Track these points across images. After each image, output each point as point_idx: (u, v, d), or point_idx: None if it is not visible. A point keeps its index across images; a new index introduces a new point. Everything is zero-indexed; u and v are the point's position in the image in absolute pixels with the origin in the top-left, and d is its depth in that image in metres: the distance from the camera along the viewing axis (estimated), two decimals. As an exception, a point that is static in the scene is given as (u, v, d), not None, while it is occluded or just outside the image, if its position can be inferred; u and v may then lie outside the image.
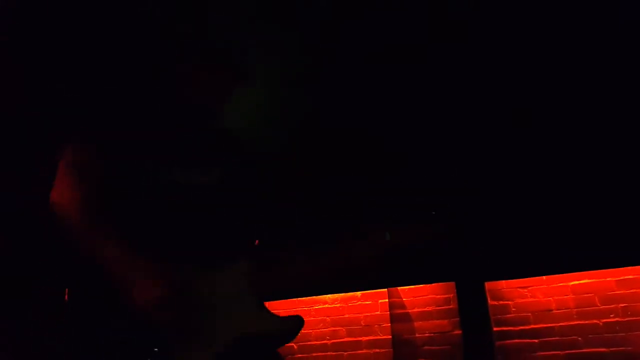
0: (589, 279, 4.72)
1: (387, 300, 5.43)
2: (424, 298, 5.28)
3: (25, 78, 3.28)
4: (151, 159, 1.62)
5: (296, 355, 5.50)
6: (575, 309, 4.71)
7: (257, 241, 1.76)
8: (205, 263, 1.56)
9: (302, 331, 5.57)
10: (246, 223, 1.76)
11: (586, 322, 4.65)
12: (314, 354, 5.53)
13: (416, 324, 5.26)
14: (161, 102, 1.79)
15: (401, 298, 5.38)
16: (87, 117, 1.69)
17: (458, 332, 4.92)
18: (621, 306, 4.57)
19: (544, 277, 4.83)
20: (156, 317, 1.39)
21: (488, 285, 4.94)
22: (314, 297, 5.59)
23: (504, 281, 4.96)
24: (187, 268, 1.51)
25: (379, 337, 5.40)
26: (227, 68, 1.79)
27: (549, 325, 4.77)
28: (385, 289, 5.38)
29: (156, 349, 1.41)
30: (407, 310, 5.33)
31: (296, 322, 1.62)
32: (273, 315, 1.60)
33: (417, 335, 5.23)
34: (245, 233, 1.74)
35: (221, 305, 1.53)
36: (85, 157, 1.58)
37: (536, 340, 4.78)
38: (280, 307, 5.58)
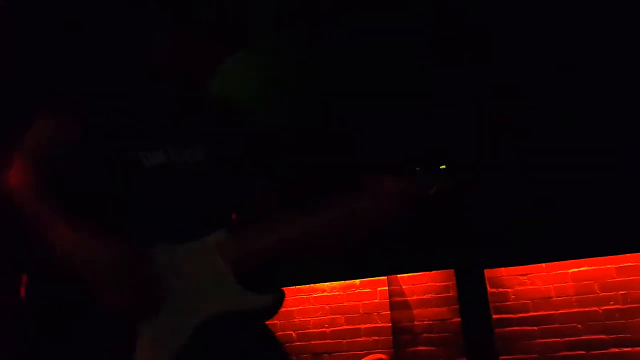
0: (588, 266, 4.71)
1: (386, 288, 5.43)
2: (423, 286, 5.28)
3: None
4: (121, 130, 1.55)
5: (295, 343, 5.50)
6: (574, 297, 4.71)
7: (234, 215, 1.69)
8: (176, 237, 1.49)
9: (301, 319, 5.55)
10: (223, 195, 1.68)
11: (586, 309, 4.65)
12: (313, 342, 5.53)
13: (415, 311, 5.26)
14: (138, 70, 1.70)
15: (400, 286, 5.37)
16: (56, 87, 1.62)
17: (457, 319, 4.91)
18: (621, 293, 4.57)
19: (544, 264, 4.83)
20: (117, 297, 1.33)
21: (487, 272, 4.92)
22: (313, 285, 5.58)
23: (503, 269, 4.95)
24: (156, 244, 1.46)
25: (378, 325, 5.40)
26: (216, 32, 1.67)
27: (549, 312, 4.77)
28: (385, 277, 5.38)
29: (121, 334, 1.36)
30: (406, 298, 5.33)
31: (276, 297, 1.53)
32: (250, 291, 1.52)
33: (416, 322, 5.23)
34: (220, 205, 1.66)
35: (193, 282, 1.46)
36: (48, 134, 1.53)
37: (536, 328, 4.78)
38: (279, 295, 5.57)
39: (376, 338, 5.38)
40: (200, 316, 1.43)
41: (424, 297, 5.25)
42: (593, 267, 4.69)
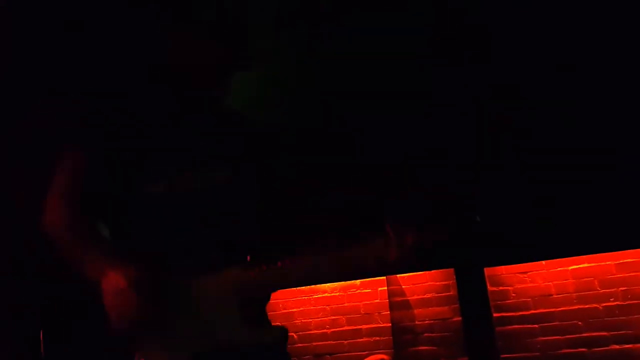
0: (588, 263, 4.72)
1: (386, 288, 5.43)
2: (423, 285, 5.28)
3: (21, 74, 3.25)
4: (142, 157, 1.61)
5: (296, 345, 5.50)
6: (575, 294, 4.71)
7: (248, 257, 1.70)
8: (190, 268, 1.53)
9: (302, 320, 5.56)
10: (238, 225, 1.70)
11: (586, 306, 4.65)
12: (314, 343, 5.53)
13: (416, 311, 5.26)
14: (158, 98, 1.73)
15: (400, 285, 5.37)
16: (82, 120, 1.66)
17: (458, 318, 4.92)
18: (621, 290, 4.57)
19: (544, 262, 4.83)
20: (123, 319, 1.38)
21: (487, 271, 4.93)
22: (313, 286, 5.58)
23: (503, 267, 4.96)
24: (172, 274, 1.50)
25: (379, 325, 5.40)
26: (229, 45, 1.70)
27: (549, 310, 4.77)
28: (384, 277, 5.38)
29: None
30: (406, 298, 5.33)
31: (280, 334, 1.58)
32: (257, 326, 1.56)
33: (417, 322, 5.23)
34: (236, 236, 1.68)
35: (202, 311, 1.49)
36: (76, 168, 1.59)
37: (536, 326, 4.79)
38: (280, 297, 5.57)
39: (377, 338, 5.38)
40: (203, 345, 1.46)
41: (425, 296, 5.25)
42: (593, 264, 4.69)
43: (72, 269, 1.49)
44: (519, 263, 4.86)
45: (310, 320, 5.63)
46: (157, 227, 1.59)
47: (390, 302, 5.38)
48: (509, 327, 4.87)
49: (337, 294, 5.63)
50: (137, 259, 1.44)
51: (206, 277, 1.54)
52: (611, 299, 4.59)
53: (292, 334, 5.59)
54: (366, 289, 5.54)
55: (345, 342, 5.50)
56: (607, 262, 4.65)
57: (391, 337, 5.31)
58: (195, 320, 1.48)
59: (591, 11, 3.11)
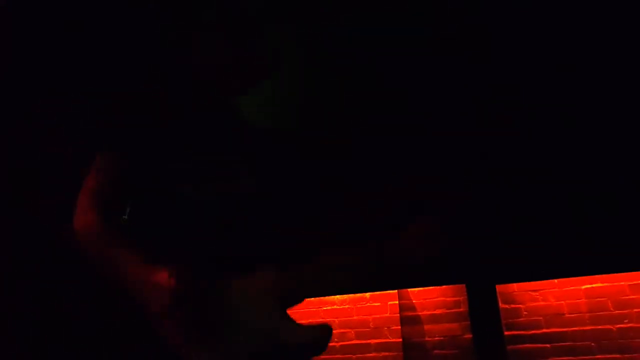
0: (601, 282, 4.67)
1: (396, 302, 5.39)
2: (434, 300, 5.24)
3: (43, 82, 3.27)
4: (176, 167, 1.63)
5: None
6: (587, 314, 4.66)
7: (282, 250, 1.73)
8: (228, 272, 1.54)
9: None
10: (271, 230, 1.74)
11: (599, 327, 4.60)
12: (322, 357, 5.49)
13: (426, 327, 5.22)
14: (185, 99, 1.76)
15: (411, 300, 5.33)
16: (109, 129, 1.68)
17: (468, 335, 4.87)
18: (635, 311, 4.51)
19: (556, 280, 4.79)
20: (171, 326, 1.37)
21: (499, 288, 4.89)
22: (322, 297, 5.55)
23: (515, 284, 4.91)
24: (209, 277, 1.50)
25: (388, 340, 5.36)
26: (253, 55, 1.72)
27: (561, 329, 4.72)
28: (395, 291, 5.35)
29: None
30: (417, 313, 5.29)
31: (325, 332, 1.58)
32: (299, 325, 1.56)
33: (427, 338, 5.19)
34: (270, 240, 1.71)
35: (244, 315, 1.50)
36: (108, 174, 1.59)
37: (548, 345, 4.73)
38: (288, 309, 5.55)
39: (386, 354, 5.34)
40: (249, 349, 1.45)
41: (435, 312, 5.21)
42: (606, 284, 4.65)
43: (105, 274, 1.48)
44: (531, 281, 4.82)
45: (319, 332, 5.59)
46: (191, 231, 1.60)
47: (400, 316, 5.35)
48: (521, 345, 4.82)
49: (347, 306, 5.60)
50: (176, 263, 1.42)
51: (245, 280, 1.56)
52: (625, 321, 4.53)
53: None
54: (376, 302, 5.51)
55: (354, 356, 5.46)
56: (621, 283, 4.60)
57: (401, 353, 5.27)
58: (240, 324, 1.49)
59: (591, 11, 3.09)
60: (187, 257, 1.48)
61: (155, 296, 1.35)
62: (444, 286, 5.17)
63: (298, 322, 1.57)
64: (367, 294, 5.51)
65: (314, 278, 1.62)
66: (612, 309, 4.60)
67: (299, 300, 1.64)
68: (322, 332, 1.54)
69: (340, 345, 5.51)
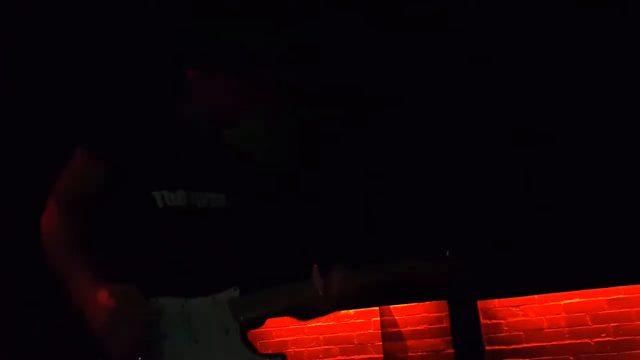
0: (580, 297, 4.74)
1: (379, 318, 5.42)
2: (416, 316, 5.28)
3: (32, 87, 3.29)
4: (149, 179, 1.61)
5: (289, 374, 5.47)
6: (566, 328, 4.73)
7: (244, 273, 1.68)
8: (188, 291, 1.52)
9: (295, 349, 5.53)
10: (237, 252, 1.71)
11: (578, 341, 4.67)
12: (307, 373, 5.51)
13: (409, 342, 5.25)
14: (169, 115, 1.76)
15: (393, 316, 5.37)
16: (92, 131, 1.66)
17: (450, 350, 4.92)
18: (612, 325, 4.59)
19: (536, 296, 4.85)
20: (122, 347, 1.33)
21: (480, 304, 4.94)
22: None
23: (496, 300, 4.97)
24: (166, 298, 1.48)
25: (372, 356, 5.39)
26: (243, 79, 1.74)
27: (541, 344, 4.78)
28: (377, 307, 5.38)
29: None
30: (399, 329, 5.33)
31: None
32: (255, 353, 1.54)
33: (409, 354, 5.22)
34: (234, 262, 1.68)
35: (202, 337, 1.49)
36: (80, 180, 1.59)
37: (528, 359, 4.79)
38: (273, 325, 5.56)
39: (370, 369, 5.37)
40: None
41: (418, 327, 5.25)
42: (585, 299, 4.72)
43: (58, 279, 1.44)
44: (512, 297, 4.88)
45: (304, 349, 5.60)
46: (152, 243, 1.58)
47: (382, 332, 5.37)
48: (502, 360, 4.88)
49: (331, 323, 5.62)
50: (127, 275, 1.41)
51: (202, 298, 1.53)
52: (603, 335, 4.60)
53: (285, 362, 5.55)
54: (360, 319, 5.53)
55: (338, 372, 5.48)
56: (599, 298, 4.67)
57: (384, 368, 5.30)
58: (197, 347, 1.47)
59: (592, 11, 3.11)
60: (134, 275, 1.44)
61: (96, 314, 1.32)
62: (426, 302, 5.22)
63: (268, 348, 1.57)
64: (352, 311, 5.54)
65: (288, 299, 1.62)
66: (590, 323, 4.67)
67: (261, 322, 1.63)
68: None
69: (325, 362, 5.53)
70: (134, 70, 3.18)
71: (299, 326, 5.64)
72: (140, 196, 1.60)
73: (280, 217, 1.92)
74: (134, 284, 1.39)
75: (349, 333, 5.54)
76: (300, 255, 1.79)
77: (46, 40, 3.05)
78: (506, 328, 4.94)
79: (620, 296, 4.61)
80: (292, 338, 5.64)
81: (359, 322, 5.53)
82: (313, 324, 5.65)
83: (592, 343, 4.62)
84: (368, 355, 5.41)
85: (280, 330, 5.63)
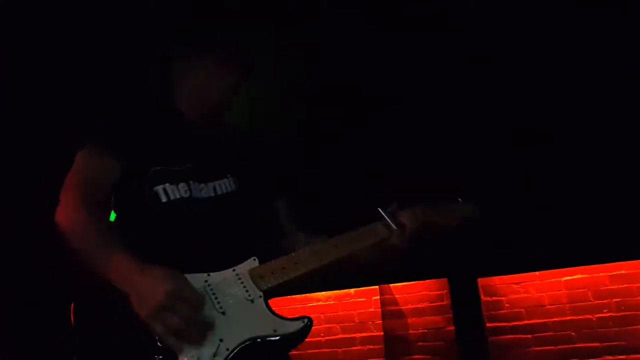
0: (581, 274, 4.73)
1: (379, 297, 5.43)
2: (417, 294, 5.28)
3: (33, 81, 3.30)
4: (156, 164, 1.66)
5: (291, 352, 5.48)
6: (568, 304, 4.72)
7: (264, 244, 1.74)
8: (210, 266, 1.56)
9: (296, 328, 5.41)
10: (252, 224, 1.76)
11: (579, 317, 4.66)
12: (309, 351, 5.51)
13: (409, 320, 5.26)
14: (164, 103, 1.81)
15: (394, 295, 5.37)
16: (96, 124, 1.71)
17: (451, 328, 4.92)
18: (614, 301, 4.58)
19: (537, 272, 4.84)
20: (157, 324, 1.37)
21: (481, 281, 4.94)
22: (308, 294, 5.58)
23: (497, 277, 4.97)
24: (193, 271, 1.51)
25: (373, 334, 5.40)
26: (234, 64, 1.79)
27: (543, 320, 4.78)
28: (377, 286, 5.38)
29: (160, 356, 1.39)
30: (400, 307, 5.33)
31: (305, 325, 1.62)
32: (281, 317, 1.59)
33: (410, 331, 5.23)
34: (251, 234, 1.73)
35: (228, 308, 1.51)
36: (91, 169, 1.63)
37: (529, 336, 4.79)
38: (274, 305, 5.55)
39: (371, 347, 5.38)
40: (234, 341, 1.47)
41: (419, 305, 5.26)
42: (586, 275, 4.71)
43: (82, 268, 1.48)
44: (513, 273, 4.87)
45: (304, 328, 5.60)
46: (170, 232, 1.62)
47: (382, 311, 5.38)
48: (502, 337, 4.87)
49: (332, 302, 5.63)
50: (161, 266, 1.44)
51: (224, 272, 1.57)
52: (604, 310, 4.60)
53: (286, 342, 5.56)
54: (360, 298, 5.54)
55: (340, 350, 5.50)
56: (601, 274, 4.66)
57: (386, 346, 5.31)
58: (224, 317, 1.49)
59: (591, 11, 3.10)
60: (169, 260, 1.48)
61: (143, 300, 1.37)
62: (427, 280, 5.21)
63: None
64: (352, 290, 5.54)
65: (296, 273, 1.66)
66: (592, 299, 4.66)
67: (283, 289, 1.66)
68: (304, 324, 1.58)
69: (327, 340, 5.54)
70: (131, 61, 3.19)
71: (300, 306, 5.65)
72: (151, 178, 1.65)
73: (288, 191, 1.94)
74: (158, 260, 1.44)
75: (349, 312, 5.55)
76: (314, 223, 1.83)
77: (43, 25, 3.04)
78: (507, 305, 4.93)
79: (622, 272, 4.59)
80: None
81: (360, 301, 5.54)
82: (314, 303, 5.67)
83: (594, 319, 4.62)
84: (369, 334, 5.42)
85: (281, 310, 5.60)
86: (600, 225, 3.93)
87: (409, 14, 3.16)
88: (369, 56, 3.48)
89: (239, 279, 1.57)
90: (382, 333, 5.35)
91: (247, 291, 1.56)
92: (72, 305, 1.49)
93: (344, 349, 5.49)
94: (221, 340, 1.45)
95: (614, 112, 3.66)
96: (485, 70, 3.55)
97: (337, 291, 5.56)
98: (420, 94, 3.77)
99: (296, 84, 3.62)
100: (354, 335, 5.48)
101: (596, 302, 4.64)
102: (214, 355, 1.42)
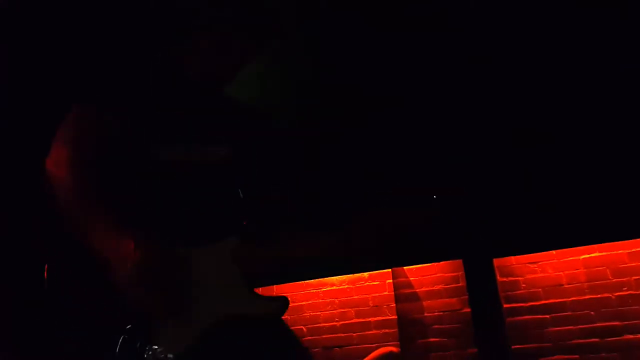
0: (599, 252, 4.67)
1: (392, 280, 5.40)
2: (432, 277, 5.24)
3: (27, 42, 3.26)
4: (152, 131, 1.60)
5: (306, 338, 5.47)
6: (586, 283, 4.66)
7: (245, 221, 1.69)
8: (193, 241, 1.52)
9: (311, 313, 5.53)
10: (240, 201, 1.72)
11: (598, 296, 4.60)
12: (324, 336, 5.51)
13: (425, 303, 5.22)
14: (171, 68, 1.73)
15: (408, 278, 5.34)
16: (92, 83, 1.64)
17: (467, 310, 4.88)
18: (634, 279, 4.52)
19: (554, 251, 4.78)
20: (136, 293, 1.36)
21: (497, 261, 4.89)
22: (322, 279, 5.56)
23: (513, 257, 4.91)
24: (173, 245, 1.48)
25: (388, 318, 5.37)
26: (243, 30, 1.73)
27: (560, 300, 4.72)
28: (390, 270, 5.35)
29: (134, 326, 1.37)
30: (415, 290, 5.29)
31: (281, 304, 1.56)
32: (258, 296, 1.55)
33: (426, 314, 5.20)
34: (237, 211, 1.69)
35: (206, 284, 1.48)
36: (86, 125, 1.56)
37: (548, 316, 4.74)
38: (288, 290, 5.55)
39: (386, 331, 5.35)
40: (211, 317, 1.45)
41: (434, 288, 5.22)
42: (604, 253, 4.64)
43: (75, 232, 1.44)
44: (529, 253, 4.81)
45: (320, 313, 5.60)
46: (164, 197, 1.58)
47: (397, 294, 5.35)
48: (520, 317, 4.83)
49: (346, 286, 5.61)
50: (145, 230, 1.41)
51: (211, 250, 1.54)
52: (624, 288, 4.53)
53: (302, 327, 5.56)
54: (374, 282, 5.51)
55: (355, 334, 5.47)
56: (619, 251, 4.60)
57: (400, 329, 5.28)
58: (202, 294, 1.47)
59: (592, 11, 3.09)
60: (152, 226, 1.45)
61: (121, 265, 1.34)
62: (442, 262, 5.17)
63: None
64: (366, 274, 5.51)
65: (296, 256, 1.62)
66: (611, 277, 4.60)
67: (283, 277, 1.63)
68: (280, 305, 1.55)
69: (341, 324, 5.52)
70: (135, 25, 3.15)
71: (314, 291, 5.63)
72: (150, 147, 1.59)
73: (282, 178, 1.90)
74: (142, 230, 1.40)
75: (364, 296, 5.52)
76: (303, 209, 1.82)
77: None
78: (524, 285, 4.88)
79: (642, 248, 4.53)
80: (307, 302, 5.64)
81: (374, 284, 5.51)
82: (328, 288, 5.64)
83: (614, 297, 4.56)
84: (384, 317, 5.39)
85: (295, 295, 5.62)
86: (618, 202, 3.86)
87: (409, 14, 3.15)
88: (369, 56, 3.47)
89: (218, 255, 1.56)
90: (396, 317, 5.32)
91: (225, 269, 1.56)
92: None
93: (358, 333, 5.47)
94: None
95: (624, 92, 3.62)
96: (485, 70, 3.54)
97: (351, 275, 5.53)
98: (420, 94, 3.75)
99: (296, 84, 3.61)
100: (368, 319, 5.46)
101: (615, 280, 4.58)
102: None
